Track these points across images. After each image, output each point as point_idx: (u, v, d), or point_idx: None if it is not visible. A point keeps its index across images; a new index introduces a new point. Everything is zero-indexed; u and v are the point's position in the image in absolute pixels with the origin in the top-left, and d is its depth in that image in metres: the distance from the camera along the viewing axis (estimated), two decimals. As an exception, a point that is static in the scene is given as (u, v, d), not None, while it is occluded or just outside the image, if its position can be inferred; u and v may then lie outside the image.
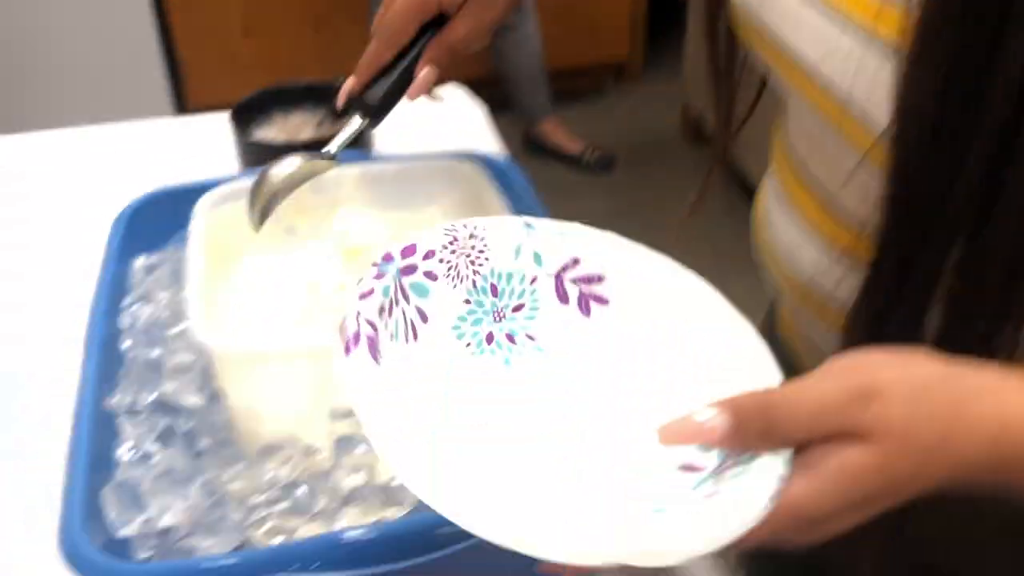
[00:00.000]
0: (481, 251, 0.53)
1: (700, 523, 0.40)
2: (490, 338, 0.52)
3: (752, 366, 0.48)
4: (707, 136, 2.87)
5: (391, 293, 0.49)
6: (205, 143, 1.20)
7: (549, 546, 0.38)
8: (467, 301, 0.52)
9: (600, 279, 0.54)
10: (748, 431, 0.40)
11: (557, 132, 2.85)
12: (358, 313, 0.47)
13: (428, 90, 0.68)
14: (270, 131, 1.09)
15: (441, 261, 0.52)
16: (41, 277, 0.99)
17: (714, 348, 0.50)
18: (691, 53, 2.93)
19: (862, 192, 0.50)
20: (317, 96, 1.12)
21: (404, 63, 0.67)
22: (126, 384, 0.67)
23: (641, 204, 2.73)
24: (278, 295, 0.73)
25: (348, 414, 0.61)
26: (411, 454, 0.42)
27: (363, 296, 0.48)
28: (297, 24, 2.79)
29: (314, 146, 1.05)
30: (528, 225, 0.54)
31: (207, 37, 2.73)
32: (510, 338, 0.52)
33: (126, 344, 0.73)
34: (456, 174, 0.82)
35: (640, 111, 3.18)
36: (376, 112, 0.69)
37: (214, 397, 0.68)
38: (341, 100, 0.70)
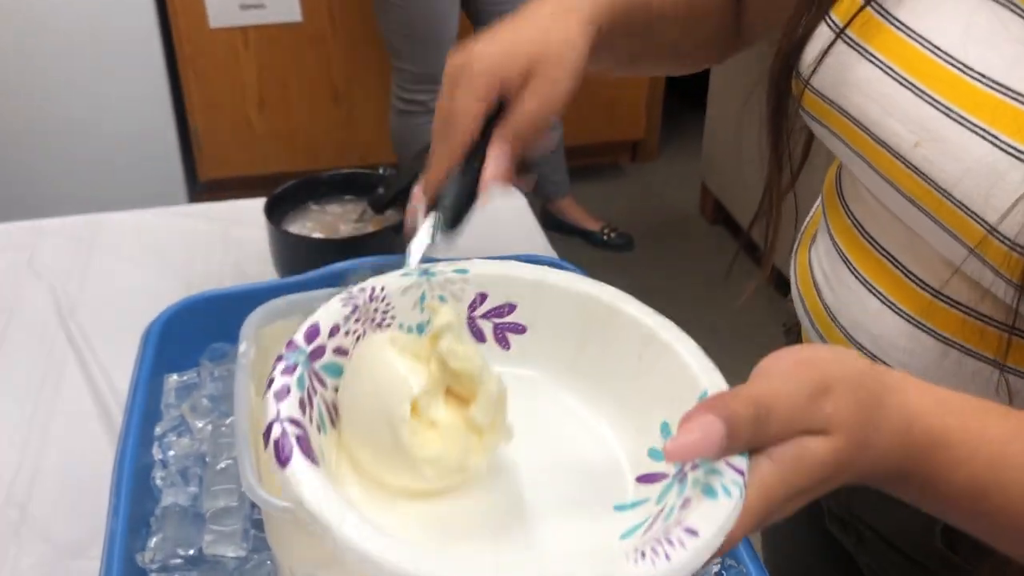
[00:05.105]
0: (386, 312, 0.51)
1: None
2: None
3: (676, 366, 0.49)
4: (725, 215, 2.82)
5: (306, 385, 0.46)
6: (230, 232, 1.13)
7: None
8: None
9: (511, 308, 0.53)
10: (739, 437, 0.40)
11: (575, 210, 2.81)
12: (279, 415, 0.43)
13: (504, 178, 0.59)
14: (305, 224, 1.02)
15: (347, 334, 0.49)
16: (48, 390, 0.88)
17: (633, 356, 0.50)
18: (709, 132, 2.89)
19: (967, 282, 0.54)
20: (354, 187, 1.05)
21: (475, 164, 0.59)
22: (160, 536, 0.59)
23: (661, 282, 2.66)
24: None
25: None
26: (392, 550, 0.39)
27: (280, 397, 0.44)
28: (312, 97, 2.74)
29: (355, 243, 0.99)
30: (426, 272, 0.53)
31: (221, 108, 2.68)
32: None
33: (159, 479, 0.64)
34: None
35: (657, 189, 3.13)
36: (453, 221, 0.60)
37: (258, 548, 0.60)
38: (415, 217, 0.60)
